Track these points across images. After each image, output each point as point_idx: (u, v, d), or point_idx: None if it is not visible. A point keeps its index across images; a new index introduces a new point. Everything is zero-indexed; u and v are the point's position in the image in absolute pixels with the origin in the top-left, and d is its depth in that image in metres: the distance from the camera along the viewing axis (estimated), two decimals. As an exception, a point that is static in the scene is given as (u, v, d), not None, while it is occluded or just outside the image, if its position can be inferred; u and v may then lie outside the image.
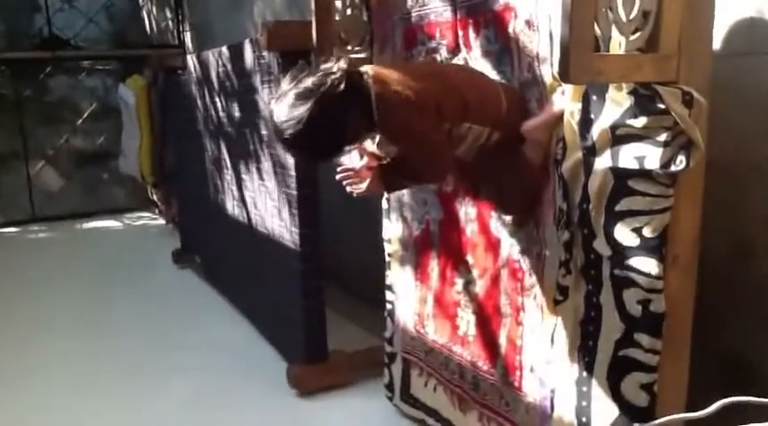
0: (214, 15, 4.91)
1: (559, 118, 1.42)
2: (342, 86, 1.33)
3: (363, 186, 1.57)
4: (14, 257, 4.72)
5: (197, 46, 5.29)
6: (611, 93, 1.26)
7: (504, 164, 1.56)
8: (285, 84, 1.41)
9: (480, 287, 1.79)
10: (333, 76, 1.34)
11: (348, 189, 1.60)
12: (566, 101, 1.39)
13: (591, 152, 1.32)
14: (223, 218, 3.27)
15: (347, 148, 1.48)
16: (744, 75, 1.47)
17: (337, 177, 1.60)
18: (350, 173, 1.59)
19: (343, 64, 1.38)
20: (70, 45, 5.82)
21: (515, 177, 1.56)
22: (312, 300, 2.39)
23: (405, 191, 2.04)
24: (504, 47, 1.57)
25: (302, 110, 1.32)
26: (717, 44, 1.42)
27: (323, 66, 1.39)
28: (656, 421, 0.97)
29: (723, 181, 1.41)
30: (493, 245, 1.72)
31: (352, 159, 1.65)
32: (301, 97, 1.33)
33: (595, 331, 1.38)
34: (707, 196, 1.27)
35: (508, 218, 1.66)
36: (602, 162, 1.29)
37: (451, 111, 1.46)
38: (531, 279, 1.60)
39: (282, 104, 1.36)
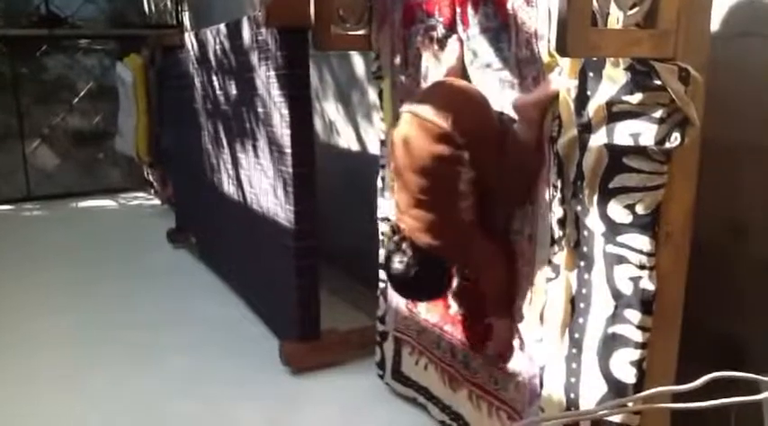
0: (213, -5, 4.88)
1: (552, 97, 1.41)
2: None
3: None
4: (9, 235, 4.71)
5: (195, 27, 5.25)
6: (608, 69, 1.25)
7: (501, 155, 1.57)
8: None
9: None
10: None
11: None
12: (562, 77, 1.38)
13: (586, 129, 1.32)
14: (218, 197, 3.26)
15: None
16: (743, 57, 1.46)
17: None
18: None
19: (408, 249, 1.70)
20: (67, 23, 5.77)
21: (512, 163, 1.55)
22: (306, 279, 2.39)
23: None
24: (502, 23, 1.56)
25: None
26: (716, 25, 1.42)
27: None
28: (643, 393, 0.97)
29: (719, 161, 1.41)
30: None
31: None
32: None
33: (586, 308, 1.38)
34: (702, 176, 1.28)
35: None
36: (598, 139, 1.29)
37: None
38: (522, 259, 1.60)
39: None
